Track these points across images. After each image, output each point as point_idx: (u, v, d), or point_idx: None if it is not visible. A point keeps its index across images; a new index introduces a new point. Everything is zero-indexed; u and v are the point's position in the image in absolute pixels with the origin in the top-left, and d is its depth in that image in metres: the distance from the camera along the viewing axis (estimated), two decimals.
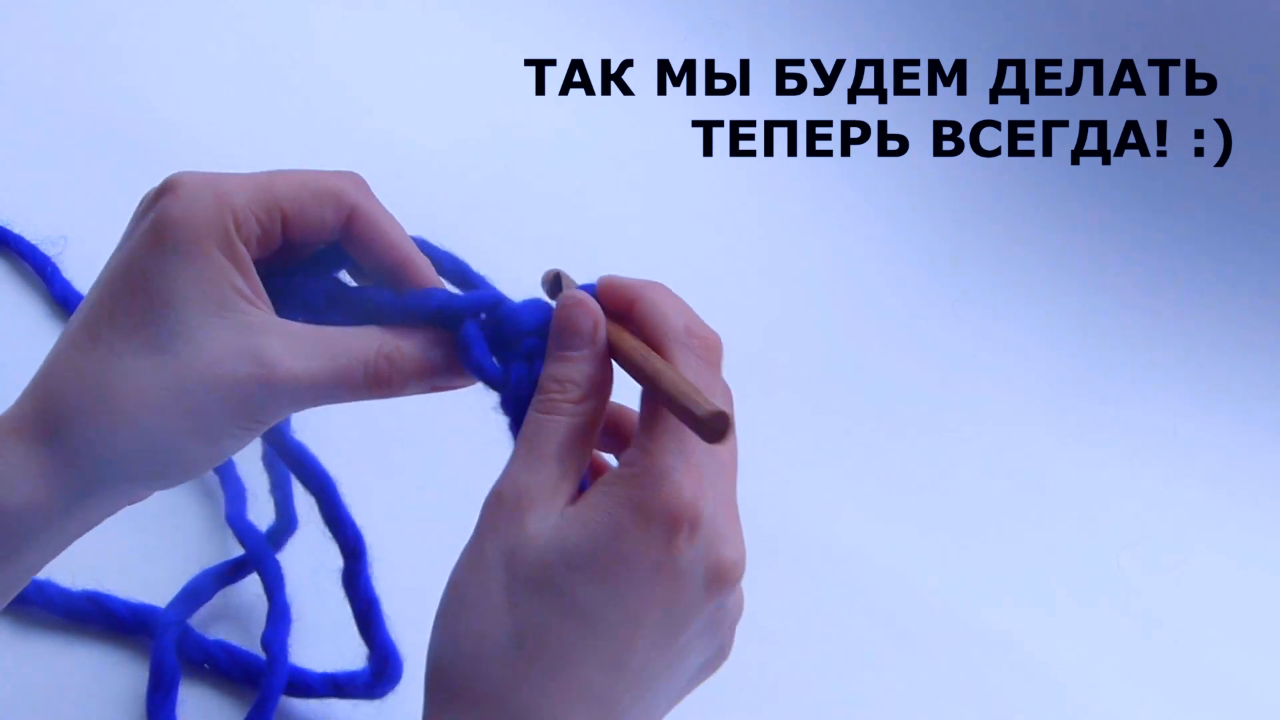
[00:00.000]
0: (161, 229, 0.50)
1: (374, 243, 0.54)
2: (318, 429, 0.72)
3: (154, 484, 0.53)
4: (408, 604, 0.66)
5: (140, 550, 0.77)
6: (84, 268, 0.89)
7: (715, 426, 0.47)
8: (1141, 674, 0.92)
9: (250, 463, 0.78)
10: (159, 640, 0.71)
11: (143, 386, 0.49)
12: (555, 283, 0.56)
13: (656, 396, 0.50)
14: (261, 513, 0.78)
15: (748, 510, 0.96)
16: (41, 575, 0.73)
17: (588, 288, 0.54)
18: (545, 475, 0.50)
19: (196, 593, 0.75)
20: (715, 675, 0.83)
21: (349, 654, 0.72)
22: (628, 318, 0.53)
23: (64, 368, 0.50)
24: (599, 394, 0.52)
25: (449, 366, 0.53)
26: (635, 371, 0.51)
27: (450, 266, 0.56)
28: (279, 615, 0.73)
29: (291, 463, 0.68)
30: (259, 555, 0.75)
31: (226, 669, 0.73)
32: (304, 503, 0.73)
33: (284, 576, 0.74)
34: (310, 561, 0.73)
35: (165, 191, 0.51)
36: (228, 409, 0.50)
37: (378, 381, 0.52)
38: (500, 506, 0.49)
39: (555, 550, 0.48)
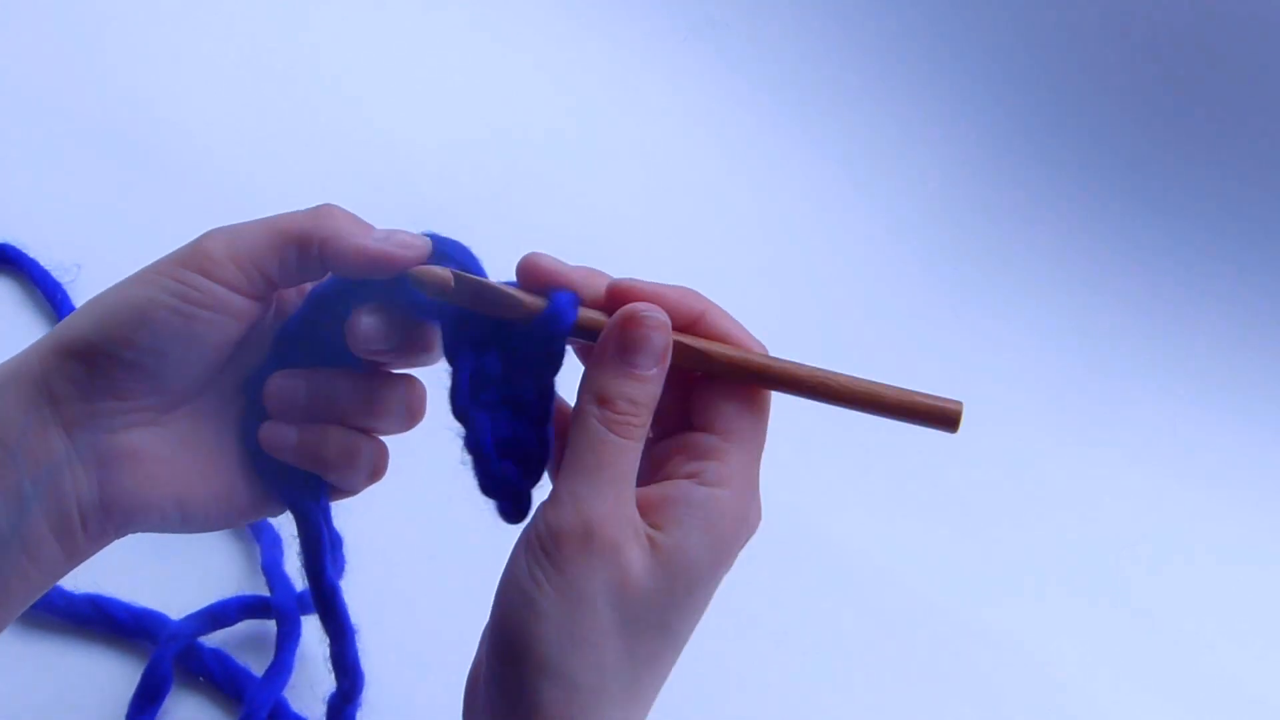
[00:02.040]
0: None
1: (344, 259, 0.53)
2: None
3: (130, 367, 0.52)
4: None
5: (167, 574, 0.78)
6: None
7: (960, 417, 0.50)
8: (1141, 673, 0.92)
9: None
10: (160, 649, 0.72)
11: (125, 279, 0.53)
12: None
13: (882, 411, 0.52)
14: (295, 561, 0.78)
15: None
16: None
17: (566, 300, 0.52)
18: (632, 509, 0.50)
19: (217, 616, 0.75)
20: (715, 674, 0.83)
21: None
22: (693, 331, 0.53)
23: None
24: (656, 413, 0.52)
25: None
26: (809, 389, 0.52)
27: (456, 257, 0.56)
28: (279, 670, 0.73)
29: (318, 600, 0.62)
30: (283, 606, 0.75)
31: (220, 683, 0.73)
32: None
33: (300, 635, 0.75)
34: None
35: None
36: (162, 262, 0.52)
37: (315, 213, 0.53)
38: (592, 544, 0.49)
39: (663, 592, 0.49)
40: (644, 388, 0.51)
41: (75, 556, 0.54)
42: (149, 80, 1.13)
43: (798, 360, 0.53)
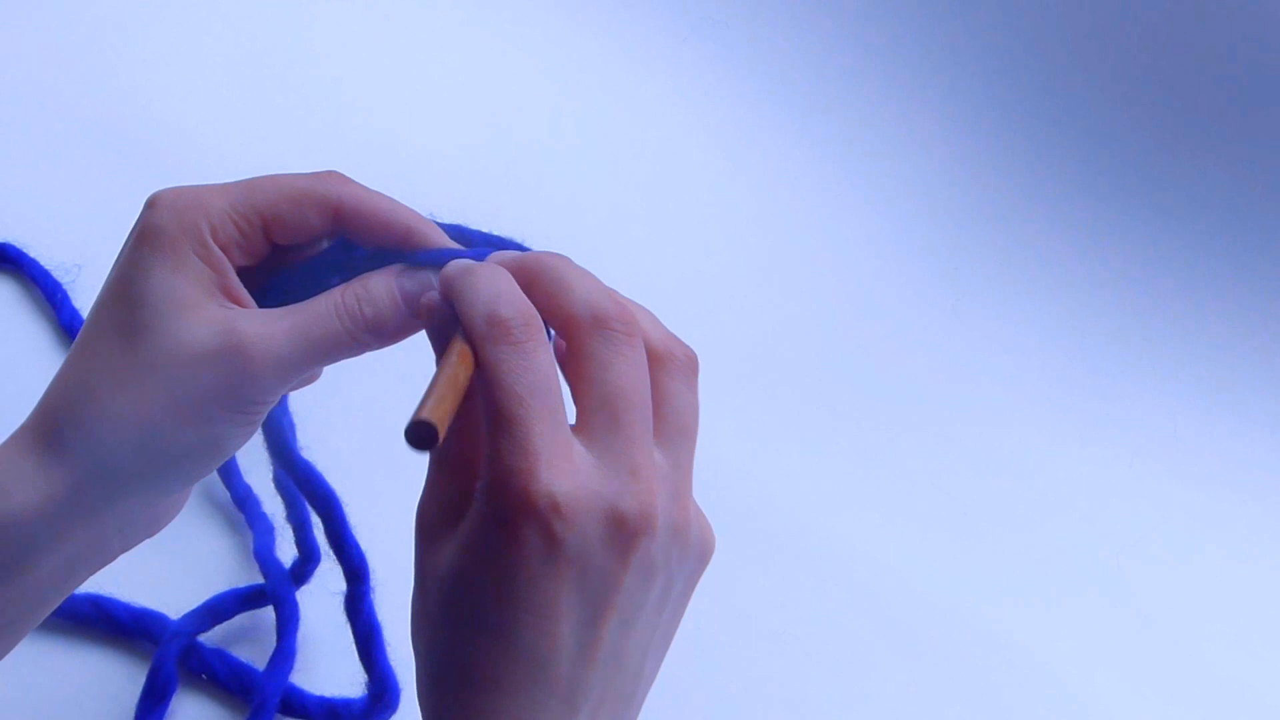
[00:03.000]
0: (141, 240, 0.52)
1: (372, 227, 0.54)
2: (330, 451, 0.71)
3: (155, 484, 0.53)
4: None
5: (163, 571, 0.77)
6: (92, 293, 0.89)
7: (410, 437, 0.44)
8: (1141, 673, 0.92)
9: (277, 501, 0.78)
10: (162, 648, 0.72)
11: (120, 376, 0.50)
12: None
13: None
14: (289, 548, 0.79)
15: (748, 510, 0.97)
16: None
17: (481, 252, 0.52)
18: (433, 495, 0.50)
19: (214, 611, 0.75)
20: (715, 674, 0.83)
21: (357, 679, 0.72)
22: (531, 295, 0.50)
23: (57, 378, 0.52)
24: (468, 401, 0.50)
25: (422, 290, 0.53)
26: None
27: (456, 235, 0.56)
28: (283, 657, 0.73)
29: (299, 481, 0.68)
30: (278, 592, 0.76)
31: (225, 681, 0.73)
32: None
33: (299, 618, 0.75)
34: (332, 585, 0.73)
35: (148, 207, 0.53)
36: (205, 384, 0.50)
37: (350, 316, 0.52)
38: (418, 529, 0.50)
39: (456, 576, 0.47)
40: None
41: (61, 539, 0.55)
42: (150, 80, 1.13)
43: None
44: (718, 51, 1.28)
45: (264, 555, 0.78)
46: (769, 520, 0.93)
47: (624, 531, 0.47)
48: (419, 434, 0.44)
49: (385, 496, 0.71)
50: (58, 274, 0.92)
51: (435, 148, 1.15)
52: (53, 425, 0.51)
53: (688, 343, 0.53)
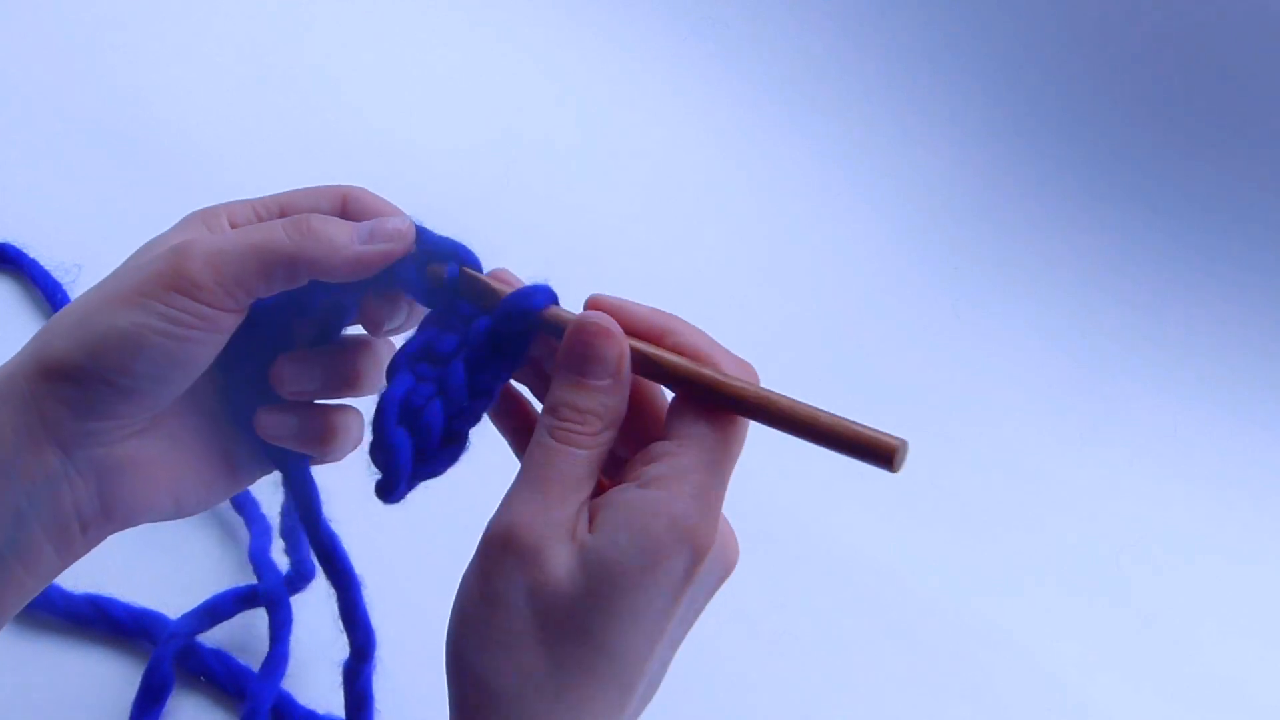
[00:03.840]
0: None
1: (336, 274, 0.54)
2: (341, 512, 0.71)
3: (94, 379, 0.52)
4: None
5: (162, 572, 0.77)
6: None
7: (901, 456, 0.47)
8: (1141, 673, 0.92)
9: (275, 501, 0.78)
10: (159, 649, 0.72)
11: (84, 294, 0.53)
12: (463, 280, 0.54)
13: (817, 439, 0.50)
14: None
15: (748, 509, 0.97)
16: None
17: (540, 290, 0.52)
18: (561, 513, 0.49)
19: (213, 611, 0.75)
20: (716, 673, 0.83)
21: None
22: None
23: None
24: (618, 424, 0.51)
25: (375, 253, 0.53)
26: (760, 413, 0.50)
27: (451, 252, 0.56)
28: (275, 662, 0.73)
29: (320, 551, 0.65)
30: (272, 595, 0.75)
31: (222, 682, 0.73)
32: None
33: (292, 622, 0.75)
34: (328, 588, 0.73)
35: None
36: (146, 272, 0.51)
37: (297, 229, 0.52)
38: (512, 546, 0.48)
39: (582, 594, 0.47)
40: (592, 396, 0.50)
41: (70, 559, 0.55)
42: (149, 80, 1.13)
43: (765, 385, 0.52)
44: (718, 51, 1.28)
45: (259, 557, 0.78)
46: (769, 520, 0.93)
47: (726, 577, 0.51)
48: (904, 453, 0.48)
49: (395, 573, 0.71)
50: (57, 274, 0.92)
51: (435, 147, 1.15)
52: (39, 347, 0.53)
53: None
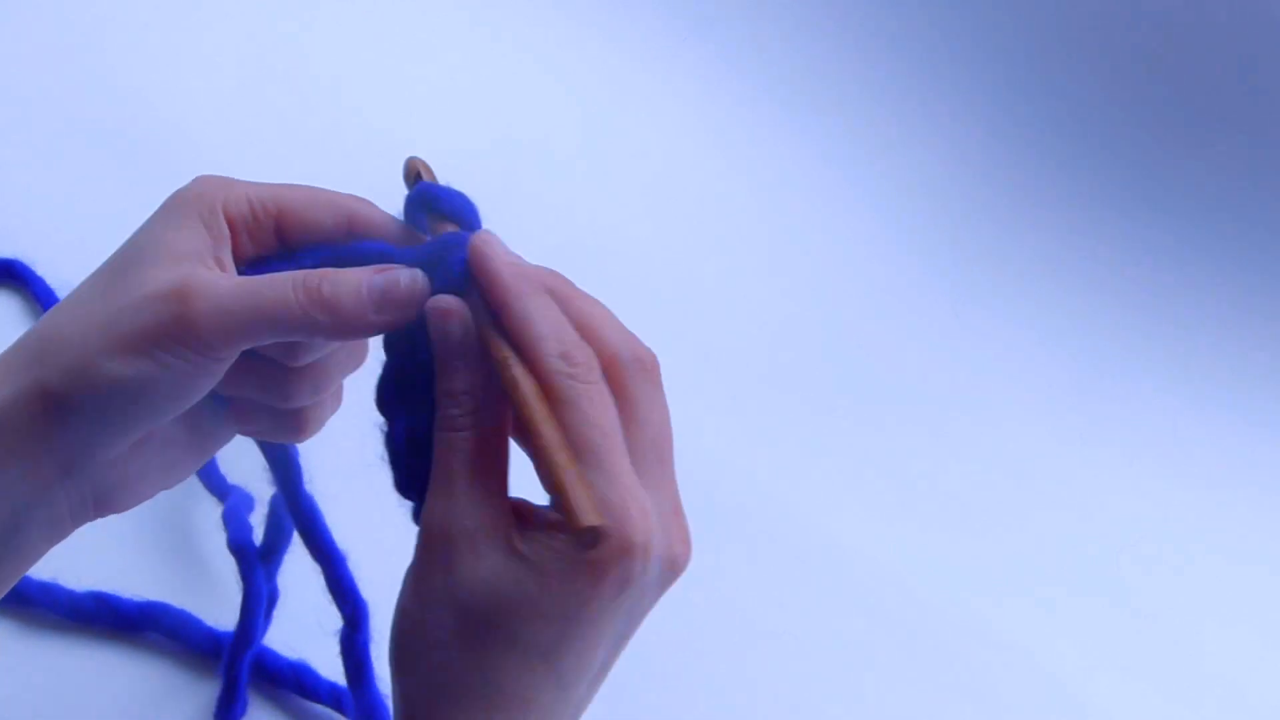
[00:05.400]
0: (162, 204, 0.54)
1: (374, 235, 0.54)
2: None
3: (94, 417, 0.51)
4: None
5: (148, 553, 0.78)
6: None
7: (583, 540, 0.45)
8: (1140, 673, 0.92)
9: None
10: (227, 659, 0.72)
11: (82, 304, 0.52)
12: (416, 178, 0.54)
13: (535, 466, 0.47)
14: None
15: (748, 509, 0.97)
16: (47, 577, 0.74)
17: (459, 237, 0.52)
18: (469, 506, 0.48)
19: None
20: (714, 672, 0.83)
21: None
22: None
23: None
24: (496, 400, 0.50)
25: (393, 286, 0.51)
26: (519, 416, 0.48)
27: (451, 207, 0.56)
28: (245, 638, 0.73)
29: (301, 528, 0.65)
30: (241, 543, 0.75)
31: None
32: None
33: (267, 597, 0.74)
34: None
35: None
36: (144, 319, 0.50)
37: (307, 289, 0.50)
38: (433, 540, 0.48)
39: (505, 596, 0.47)
40: (454, 379, 0.50)
41: (55, 544, 0.56)
42: (159, 95, 1.13)
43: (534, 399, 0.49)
44: (718, 51, 1.28)
45: (231, 516, 0.78)
46: (769, 520, 0.93)
47: (673, 573, 0.49)
48: (589, 540, 0.45)
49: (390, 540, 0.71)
50: (63, 292, 0.92)
51: (435, 147, 1.14)
52: (19, 352, 0.52)
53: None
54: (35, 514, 0.52)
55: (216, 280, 0.51)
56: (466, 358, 0.50)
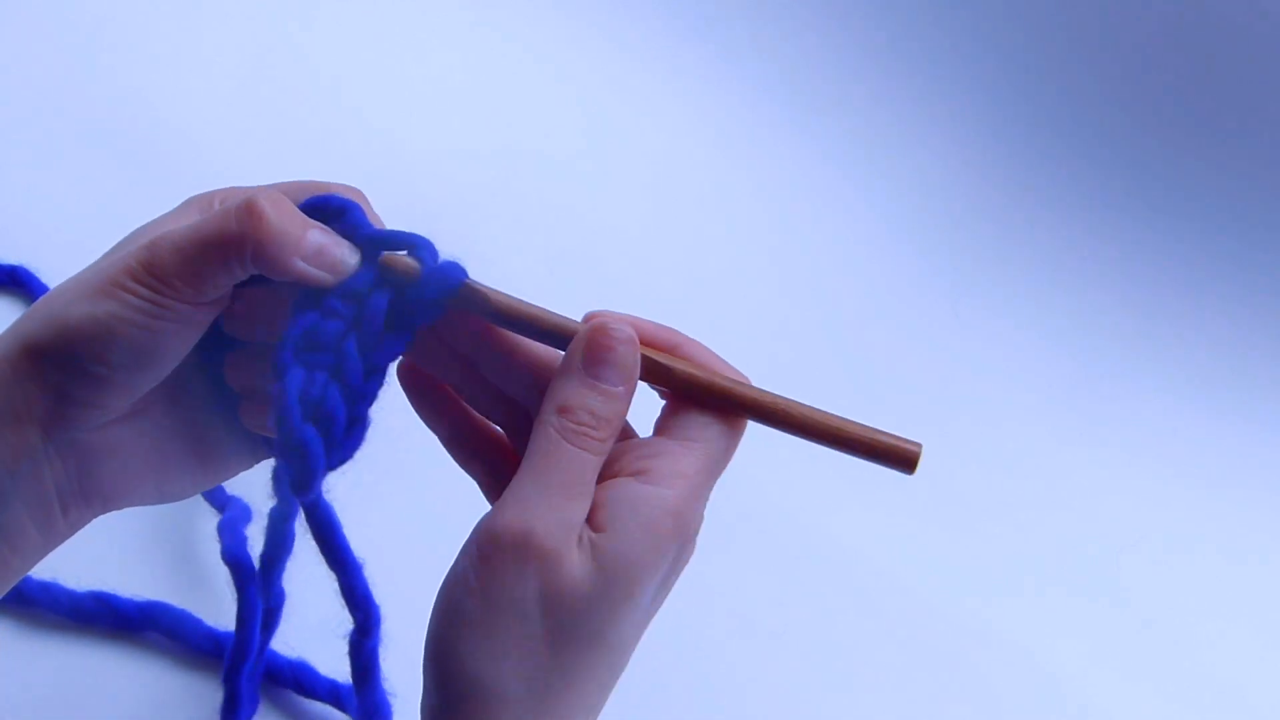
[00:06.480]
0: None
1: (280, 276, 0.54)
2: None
3: (69, 365, 0.52)
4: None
5: (148, 553, 0.77)
6: None
7: (917, 459, 0.51)
8: (1140, 673, 0.92)
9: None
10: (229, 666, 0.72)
11: (73, 279, 0.53)
12: (374, 244, 0.53)
13: (842, 446, 0.52)
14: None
15: (748, 509, 0.97)
16: (47, 577, 0.74)
17: (456, 265, 0.52)
18: (575, 516, 0.49)
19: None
20: (715, 671, 0.83)
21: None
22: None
23: None
24: (620, 428, 0.52)
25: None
26: (777, 421, 0.53)
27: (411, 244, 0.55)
28: (242, 650, 0.72)
29: (318, 537, 0.65)
30: (236, 555, 0.75)
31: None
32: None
33: (264, 609, 0.74)
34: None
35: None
36: (113, 262, 0.52)
37: (247, 207, 0.51)
38: (530, 551, 0.48)
39: (599, 599, 0.49)
40: (607, 403, 0.51)
41: (54, 541, 0.55)
42: (167, 105, 1.13)
43: (769, 390, 0.53)
44: (718, 51, 1.28)
45: (234, 549, 0.77)
46: (769, 519, 0.93)
47: (690, 556, 0.53)
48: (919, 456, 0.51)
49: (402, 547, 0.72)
50: None
51: (435, 148, 1.15)
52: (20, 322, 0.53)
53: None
54: (20, 485, 0.52)
55: (182, 225, 0.52)
56: (625, 386, 0.52)
